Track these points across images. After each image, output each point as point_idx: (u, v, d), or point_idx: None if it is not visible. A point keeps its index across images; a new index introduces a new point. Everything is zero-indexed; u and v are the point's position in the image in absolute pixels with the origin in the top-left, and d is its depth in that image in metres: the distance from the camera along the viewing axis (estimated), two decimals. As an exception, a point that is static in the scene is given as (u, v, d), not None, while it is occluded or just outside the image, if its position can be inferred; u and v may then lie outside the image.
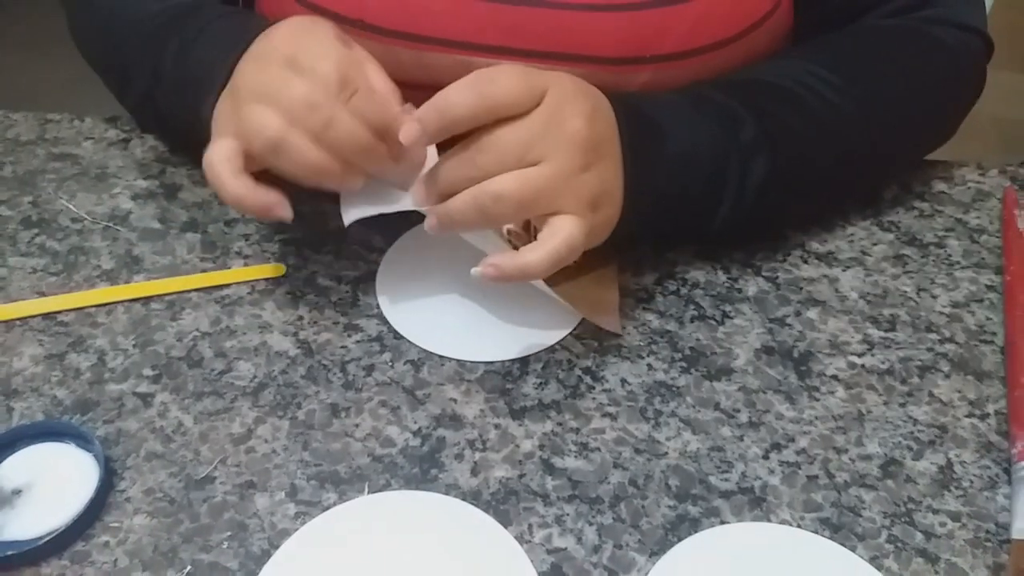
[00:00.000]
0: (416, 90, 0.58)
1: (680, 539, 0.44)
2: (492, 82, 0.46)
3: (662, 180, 0.52)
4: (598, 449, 0.48)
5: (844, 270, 0.58)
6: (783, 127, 0.55)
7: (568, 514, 0.46)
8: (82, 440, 0.48)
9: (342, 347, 0.54)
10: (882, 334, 0.55)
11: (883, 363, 0.53)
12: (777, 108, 0.55)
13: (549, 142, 0.46)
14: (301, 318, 0.55)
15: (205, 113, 0.51)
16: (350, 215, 0.51)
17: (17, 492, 0.46)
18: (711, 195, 0.54)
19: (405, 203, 0.51)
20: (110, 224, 0.62)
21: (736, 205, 0.54)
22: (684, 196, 0.53)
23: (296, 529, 0.45)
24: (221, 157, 0.47)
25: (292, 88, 0.46)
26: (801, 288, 0.57)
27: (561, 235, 0.47)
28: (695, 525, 0.45)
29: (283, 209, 0.48)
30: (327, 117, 0.46)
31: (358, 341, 0.54)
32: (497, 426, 0.50)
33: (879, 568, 0.43)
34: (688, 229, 0.57)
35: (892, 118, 0.58)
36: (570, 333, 0.54)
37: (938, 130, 0.62)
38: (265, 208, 0.48)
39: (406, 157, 0.50)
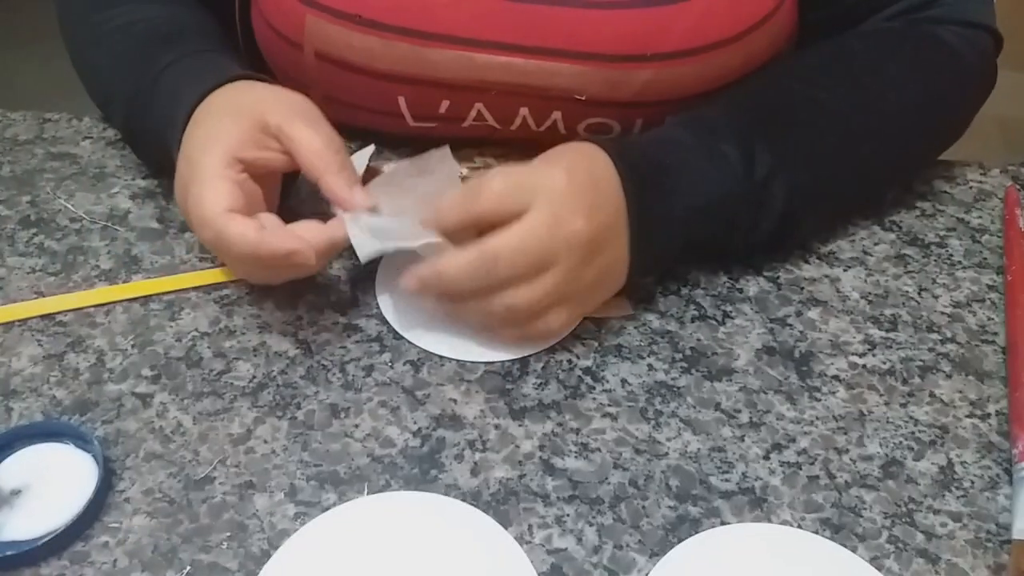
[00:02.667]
0: (416, 85, 0.59)
1: (680, 540, 0.44)
2: (476, 198, 0.48)
3: (674, 238, 0.53)
4: (598, 449, 0.48)
5: (845, 270, 0.58)
6: (797, 155, 0.54)
7: (568, 514, 0.45)
8: (81, 440, 0.48)
9: (341, 347, 0.53)
10: (883, 334, 0.54)
11: (884, 363, 0.53)
12: (790, 134, 0.55)
13: (555, 248, 0.48)
14: (300, 318, 0.55)
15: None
16: (365, 252, 0.50)
17: (16, 492, 0.46)
18: (725, 237, 0.55)
19: (423, 239, 0.50)
20: (109, 224, 0.61)
21: (752, 236, 0.55)
22: (697, 244, 0.54)
23: (296, 529, 0.45)
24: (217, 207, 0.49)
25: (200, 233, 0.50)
26: (802, 288, 0.57)
27: (549, 327, 0.51)
28: (695, 526, 0.45)
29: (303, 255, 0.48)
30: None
31: (357, 341, 0.54)
32: (497, 426, 0.49)
33: (880, 568, 0.43)
34: (703, 261, 0.58)
35: (902, 124, 0.58)
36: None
37: (948, 131, 0.62)
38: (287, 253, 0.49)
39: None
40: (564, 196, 0.48)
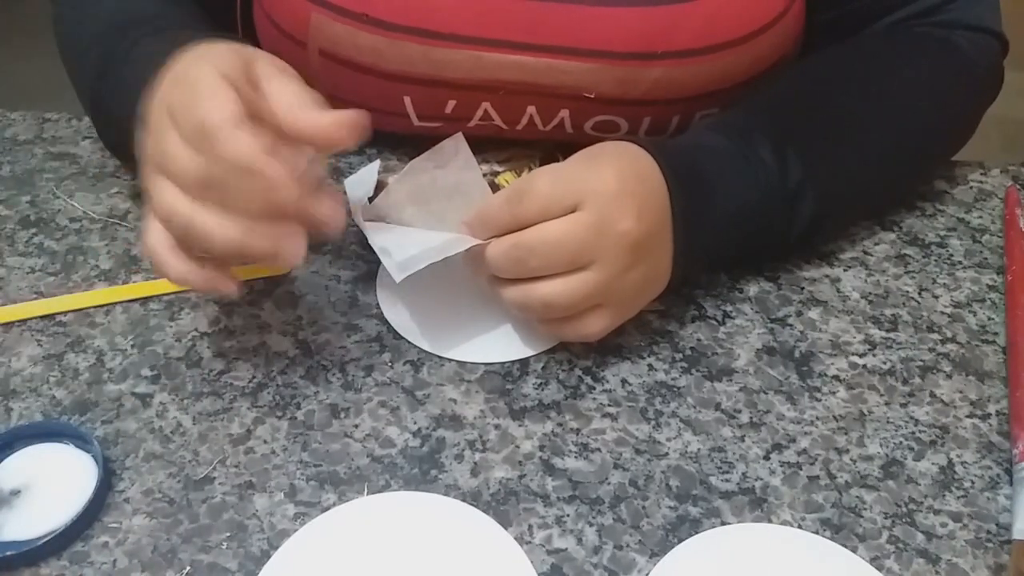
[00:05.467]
0: (423, 85, 0.58)
1: (681, 540, 0.44)
2: (521, 200, 0.47)
3: (714, 244, 0.53)
4: (598, 450, 0.48)
5: (845, 270, 0.58)
6: (825, 160, 0.55)
7: (568, 515, 0.45)
8: (81, 440, 0.48)
9: (341, 347, 0.53)
10: (883, 334, 0.54)
11: (884, 363, 0.53)
12: (817, 140, 0.55)
13: (599, 247, 0.47)
14: (300, 318, 0.55)
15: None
16: (402, 271, 0.48)
17: (16, 492, 0.46)
18: (759, 242, 0.55)
19: (455, 246, 0.49)
20: (108, 223, 0.61)
21: (784, 240, 0.55)
22: (731, 249, 0.54)
23: (295, 530, 0.45)
24: (155, 241, 0.45)
25: (178, 160, 0.42)
26: (802, 288, 0.57)
27: (589, 330, 0.50)
28: (696, 526, 0.45)
29: (225, 284, 0.45)
30: (219, 183, 0.42)
31: (357, 341, 0.54)
32: (497, 426, 0.49)
33: (880, 569, 0.43)
34: (734, 267, 0.58)
35: (919, 127, 0.59)
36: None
37: (960, 135, 0.62)
38: (209, 286, 0.45)
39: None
40: (614, 197, 0.47)
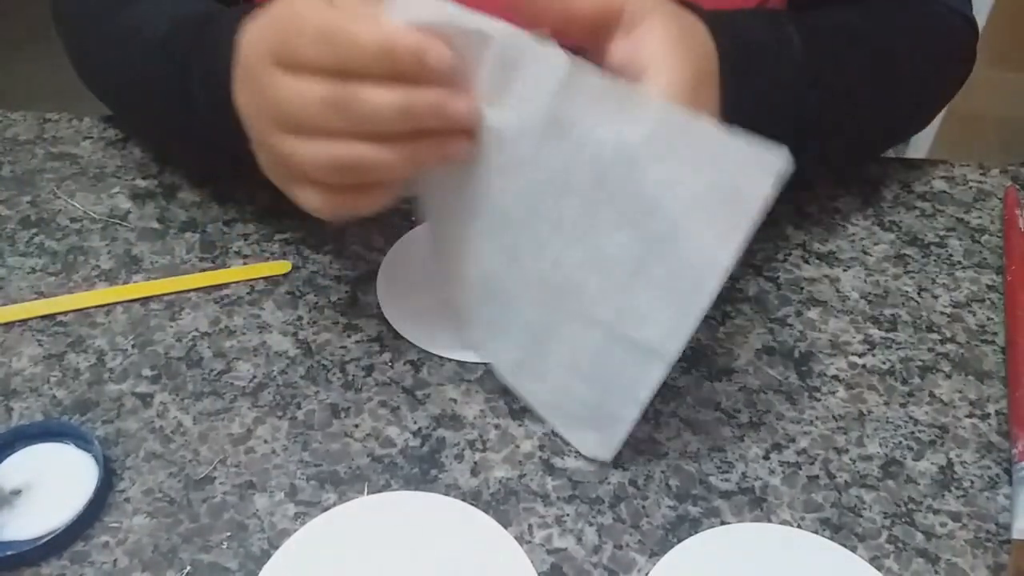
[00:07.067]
0: None
1: (680, 539, 0.44)
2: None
3: (753, 113, 0.46)
4: (598, 449, 0.48)
5: (845, 270, 0.58)
6: (832, 70, 0.54)
7: (568, 514, 0.45)
8: (81, 440, 0.48)
9: (342, 347, 0.53)
10: (883, 334, 0.55)
11: (884, 363, 0.53)
12: (828, 50, 0.55)
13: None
14: (300, 318, 0.55)
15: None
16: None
17: (16, 492, 0.46)
18: (772, 132, 0.52)
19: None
20: (109, 224, 0.61)
21: (790, 130, 0.54)
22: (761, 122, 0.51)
23: (296, 529, 0.45)
24: (318, 202, 0.42)
25: (302, 93, 0.40)
26: (802, 288, 0.57)
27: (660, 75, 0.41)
28: (695, 525, 0.45)
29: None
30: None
31: (358, 341, 0.54)
32: (497, 426, 0.49)
33: (879, 568, 0.43)
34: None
35: (908, 75, 0.60)
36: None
37: (939, 95, 0.64)
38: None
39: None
40: (679, 17, 0.43)
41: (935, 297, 0.57)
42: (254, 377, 0.52)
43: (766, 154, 0.36)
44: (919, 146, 1.61)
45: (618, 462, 0.48)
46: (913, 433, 0.49)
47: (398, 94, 0.39)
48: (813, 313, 0.56)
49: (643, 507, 0.46)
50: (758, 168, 0.37)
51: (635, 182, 0.39)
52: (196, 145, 0.58)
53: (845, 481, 0.47)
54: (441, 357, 0.53)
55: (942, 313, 0.56)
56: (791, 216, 0.62)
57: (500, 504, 0.46)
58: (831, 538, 0.44)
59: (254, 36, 0.44)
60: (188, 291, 0.57)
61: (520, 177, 0.41)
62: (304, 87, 0.40)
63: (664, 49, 0.42)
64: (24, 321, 0.55)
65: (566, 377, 0.46)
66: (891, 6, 0.62)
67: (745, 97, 0.45)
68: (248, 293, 0.57)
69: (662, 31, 0.42)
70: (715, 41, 0.45)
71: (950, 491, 0.47)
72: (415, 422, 0.50)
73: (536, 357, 0.47)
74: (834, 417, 0.50)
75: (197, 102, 0.51)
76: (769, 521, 0.45)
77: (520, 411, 0.50)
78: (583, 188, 0.40)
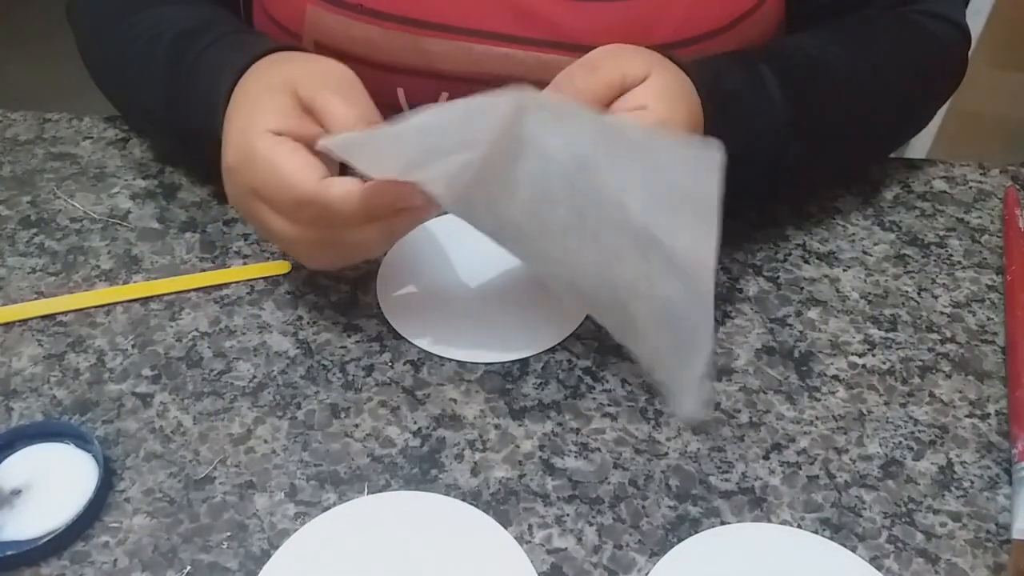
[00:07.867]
0: (415, 76, 0.59)
1: (680, 539, 0.44)
2: (592, 72, 0.46)
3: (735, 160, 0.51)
4: (598, 449, 0.48)
5: (845, 270, 0.58)
6: (812, 108, 0.55)
7: (568, 514, 0.45)
8: (81, 440, 0.48)
9: (342, 347, 0.53)
10: (883, 334, 0.55)
11: (884, 363, 0.53)
12: (810, 85, 0.56)
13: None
14: (301, 318, 0.55)
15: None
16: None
17: (16, 492, 0.46)
18: (751, 178, 0.52)
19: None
20: (109, 224, 0.61)
21: (764, 181, 0.55)
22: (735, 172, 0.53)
23: (296, 529, 0.45)
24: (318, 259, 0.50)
25: (286, 231, 0.47)
26: (802, 288, 0.57)
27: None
28: (695, 525, 0.45)
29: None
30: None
31: (358, 341, 0.54)
32: (497, 426, 0.49)
33: (879, 568, 0.43)
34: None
35: (895, 94, 0.60)
36: (571, 333, 0.54)
37: (926, 110, 0.65)
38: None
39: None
40: (673, 73, 0.48)
41: (935, 297, 0.57)
42: (254, 377, 0.52)
43: (704, 151, 0.38)
44: (919, 146, 1.61)
45: (618, 462, 0.48)
46: (913, 433, 0.49)
47: (379, 226, 0.46)
48: (813, 313, 0.56)
49: (643, 507, 0.46)
50: (702, 167, 0.38)
51: (596, 189, 0.40)
52: (175, 132, 0.60)
53: (845, 481, 0.47)
54: (441, 357, 0.53)
55: (942, 313, 0.56)
56: (791, 216, 0.62)
57: (500, 504, 0.46)
58: (831, 538, 0.44)
59: (229, 161, 0.48)
60: (188, 291, 0.57)
61: (515, 198, 0.42)
62: (295, 232, 0.46)
63: (660, 98, 0.46)
64: (24, 321, 0.55)
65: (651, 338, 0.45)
66: (878, 22, 0.62)
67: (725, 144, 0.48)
68: (248, 293, 0.57)
69: (659, 85, 0.46)
70: (699, 95, 0.49)
71: (950, 491, 0.47)
72: (415, 422, 0.50)
73: (627, 322, 0.46)
74: (834, 417, 0.50)
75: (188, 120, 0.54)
76: (769, 521, 0.45)
77: (520, 411, 0.50)
78: (563, 197, 0.41)
